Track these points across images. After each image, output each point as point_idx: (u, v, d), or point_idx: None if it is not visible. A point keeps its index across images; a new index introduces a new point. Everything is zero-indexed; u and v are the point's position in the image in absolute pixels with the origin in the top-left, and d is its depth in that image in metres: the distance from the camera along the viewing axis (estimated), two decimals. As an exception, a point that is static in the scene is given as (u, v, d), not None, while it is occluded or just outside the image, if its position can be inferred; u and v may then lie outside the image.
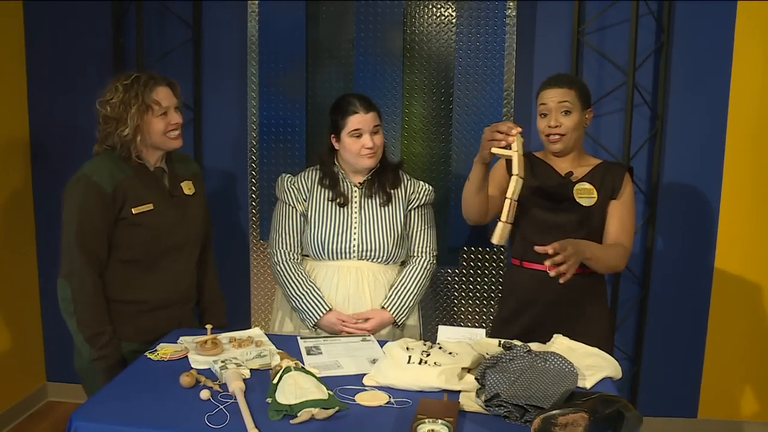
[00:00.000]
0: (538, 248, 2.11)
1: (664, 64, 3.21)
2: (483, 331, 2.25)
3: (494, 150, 2.15)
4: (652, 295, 3.39)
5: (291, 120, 3.16)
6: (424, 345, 2.08)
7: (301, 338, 2.30)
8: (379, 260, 2.52)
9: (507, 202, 2.12)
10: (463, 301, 3.26)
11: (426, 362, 1.98)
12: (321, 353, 2.19)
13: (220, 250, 3.23)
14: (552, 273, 2.08)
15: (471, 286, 3.24)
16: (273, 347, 2.18)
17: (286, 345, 2.22)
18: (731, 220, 3.32)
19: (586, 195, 2.39)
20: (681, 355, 3.44)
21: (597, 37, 3.24)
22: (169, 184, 2.38)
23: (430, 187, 2.64)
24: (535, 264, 2.43)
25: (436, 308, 3.28)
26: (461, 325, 3.17)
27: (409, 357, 1.99)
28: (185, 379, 1.89)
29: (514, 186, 2.11)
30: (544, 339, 2.20)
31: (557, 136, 2.38)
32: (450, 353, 2.04)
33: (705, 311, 3.39)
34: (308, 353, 2.19)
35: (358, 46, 3.12)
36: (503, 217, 2.13)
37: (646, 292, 3.37)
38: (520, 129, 2.11)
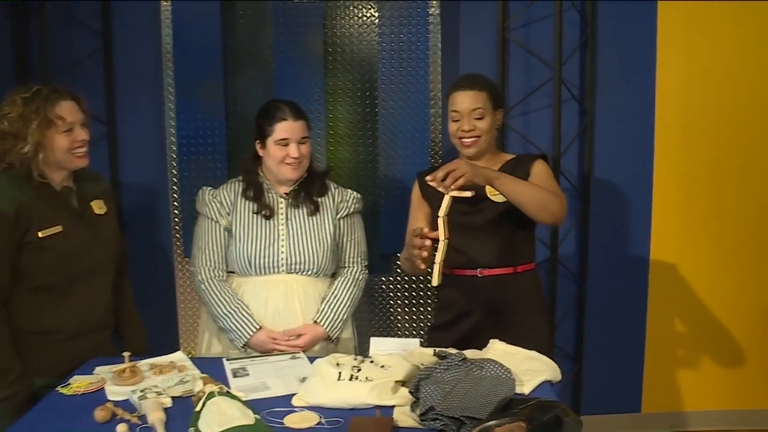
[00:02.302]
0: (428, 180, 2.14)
1: (590, 59, 3.24)
2: (417, 341, 2.22)
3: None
4: (590, 291, 3.41)
5: (210, 130, 3.08)
6: (355, 360, 2.03)
7: (227, 360, 2.23)
8: (309, 273, 2.47)
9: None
10: (399, 309, 3.23)
11: (357, 378, 1.93)
12: (248, 375, 2.12)
13: (142, 271, 3.15)
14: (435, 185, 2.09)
15: (407, 293, 3.21)
16: (197, 372, 2.10)
17: (212, 368, 2.14)
18: (664, 213, 3.36)
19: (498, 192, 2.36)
20: (622, 350, 3.47)
21: (522, 33, 3.25)
22: (78, 204, 2.28)
23: (358, 195, 2.61)
24: (465, 270, 2.43)
25: (371, 318, 3.23)
26: (398, 335, 3.20)
27: (339, 373, 1.94)
28: (100, 414, 1.80)
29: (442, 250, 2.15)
30: (483, 345, 2.18)
31: (471, 139, 2.38)
32: (382, 367, 1.99)
33: (643, 305, 3.43)
34: (234, 376, 2.12)
35: (277, 50, 3.05)
36: (438, 259, 2.14)
37: (583, 289, 3.39)
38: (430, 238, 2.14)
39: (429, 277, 3.14)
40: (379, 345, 2.22)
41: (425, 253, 2.15)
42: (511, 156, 2.50)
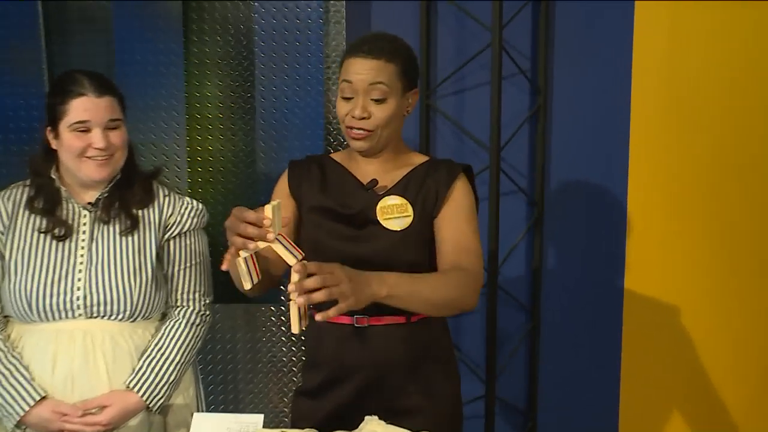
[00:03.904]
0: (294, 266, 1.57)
1: (544, 18, 2.81)
2: (260, 418, 1.78)
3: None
4: (545, 325, 3.01)
5: (26, 111, 2.66)
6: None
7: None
8: (121, 317, 1.99)
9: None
10: (293, 348, 2.81)
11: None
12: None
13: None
14: (299, 302, 1.54)
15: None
16: None
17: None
18: (643, 223, 2.97)
19: (395, 214, 1.91)
20: (589, 401, 3.06)
21: (455, -15, 2.85)
22: None
23: (199, 206, 2.15)
24: (342, 318, 1.93)
25: (254, 362, 2.81)
26: (293, 382, 2.79)
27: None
28: None
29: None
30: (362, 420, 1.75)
31: (363, 132, 1.88)
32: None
33: (616, 343, 3.02)
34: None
35: (118, 7, 2.65)
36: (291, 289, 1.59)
37: (536, 323, 2.98)
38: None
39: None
40: (203, 424, 1.76)
41: (245, 247, 1.58)
42: (421, 159, 2.02)
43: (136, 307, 1.98)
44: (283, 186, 2.03)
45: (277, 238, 1.57)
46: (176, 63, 2.68)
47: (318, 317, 1.55)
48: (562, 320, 3.02)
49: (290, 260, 1.57)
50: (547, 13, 2.81)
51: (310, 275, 1.54)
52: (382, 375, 1.94)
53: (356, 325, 1.91)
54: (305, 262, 1.56)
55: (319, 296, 1.53)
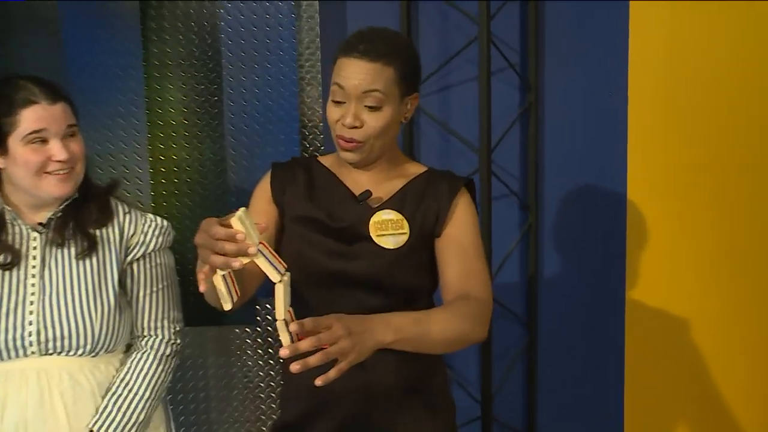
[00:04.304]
0: (291, 326, 1.42)
1: (534, 10, 2.71)
2: None
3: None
4: (543, 339, 2.90)
5: None
6: None
7: None
8: (80, 352, 1.82)
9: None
10: (271, 373, 2.67)
11: None
12: None
13: None
14: (294, 369, 1.40)
15: (275, 350, 2.70)
16: None
17: None
18: (644, 229, 2.90)
19: (389, 231, 1.79)
20: (591, 418, 2.97)
21: (437, -25, 2.75)
22: None
23: (165, 223, 1.99)
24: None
25: (228, 389, 2.67)
26: (272, 408, 2.62)
27: None
28: None
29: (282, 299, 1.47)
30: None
31: (354, 143, 1.75)
32: None
33: (619, 358, 2.93)
34: None
35: (67, 6, 2.57)
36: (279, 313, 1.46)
37: (533, 336, 2.87)
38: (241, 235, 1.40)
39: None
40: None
41: (227, 266, 1.40)
42: (419, 170, 1.89)
43: (97, 341, 1.82)
44: (264, 190, 1.87)
45: (259, 250, 1.41)
46: (134, 65, 2.60)
47: (318, 382, 1.42)
48: (561, 332, 2.94)
49: (274, 276, 1.42)
50: (536, 4, 2.72)
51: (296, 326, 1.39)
52: (368, 405, 1.82)
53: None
54: (300, 321, 1.41)
55: (316, 360, 1.39)
